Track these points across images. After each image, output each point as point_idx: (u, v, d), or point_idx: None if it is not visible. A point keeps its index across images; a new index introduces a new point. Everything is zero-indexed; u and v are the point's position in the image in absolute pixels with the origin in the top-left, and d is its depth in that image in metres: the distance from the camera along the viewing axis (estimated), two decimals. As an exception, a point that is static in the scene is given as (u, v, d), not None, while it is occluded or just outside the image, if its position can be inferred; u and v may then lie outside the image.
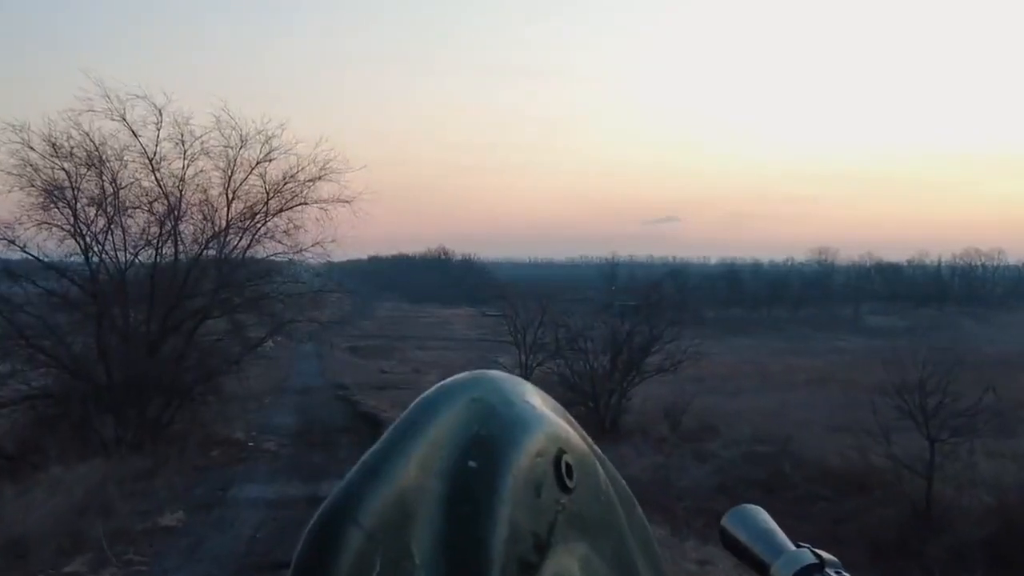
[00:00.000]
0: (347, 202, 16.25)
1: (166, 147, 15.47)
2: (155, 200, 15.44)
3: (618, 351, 18.08)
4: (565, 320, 20.21)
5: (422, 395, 0.49)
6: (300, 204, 16.18)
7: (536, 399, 0.54)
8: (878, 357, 37.91)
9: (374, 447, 0.45)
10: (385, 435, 0.46)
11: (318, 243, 16.37)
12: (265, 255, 16.39)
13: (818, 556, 0.59)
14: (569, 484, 0.51)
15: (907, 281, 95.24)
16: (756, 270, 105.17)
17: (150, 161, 15.27)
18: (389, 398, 22.24)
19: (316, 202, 16.18)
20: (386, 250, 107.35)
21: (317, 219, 16.33)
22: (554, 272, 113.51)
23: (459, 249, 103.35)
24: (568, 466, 0.51)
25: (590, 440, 0.56)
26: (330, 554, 0.40)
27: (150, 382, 15.25)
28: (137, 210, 15.44)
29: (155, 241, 15.32)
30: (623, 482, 0.58)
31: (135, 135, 15.15)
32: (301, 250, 16.28)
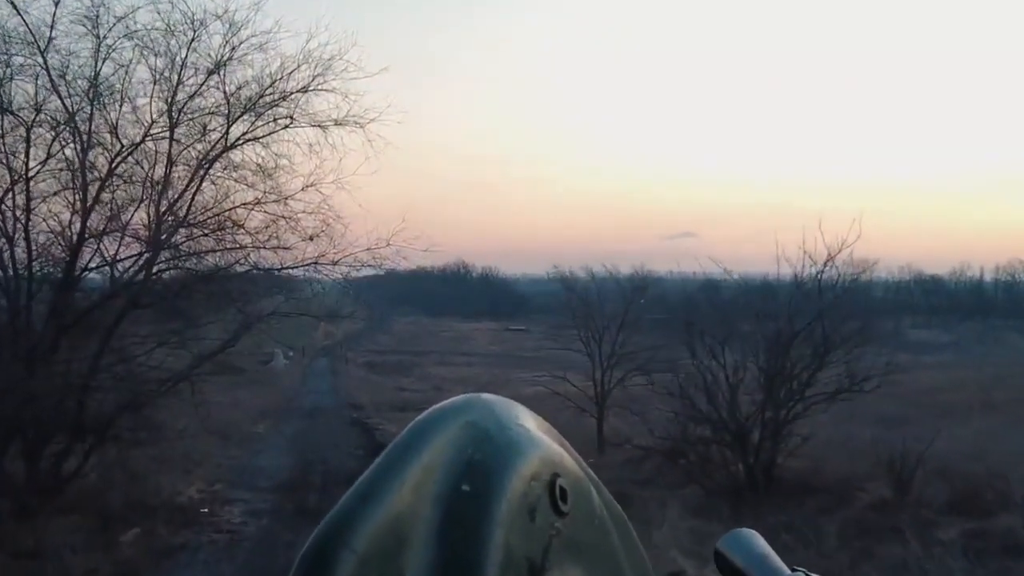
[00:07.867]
0: (359, 124, 10.41)
1: (68, 31, 9.67)
2: (45, 109, 9.55)
3: (778, 369, 12.02)
4: (693, 319, 14.32)
5: (416, 419, 0.47)
6: (284, 126, 10.29)
7: (531, 422, 0.53)
8: (984, 373, 32.17)
9: (368, 471, 0.43)
10: (379, 459, 0.45)
11: (311, 185, 10.52)
12: (226, 211, 10.39)
13: None
14: (563, 508, 0.49)
15: (949, 294, 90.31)
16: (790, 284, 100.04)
17: (41, 52, 9.42)
18: (410, 421, 17.26)
19: (309, 120, 10.30)
20: (403, 264, 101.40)
21: (312, 147, 10.50)
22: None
23: (478, 263, 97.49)
24: (562, 490, 0.50)
25: (584, 464, 0.54)
26: None
27: (39, 411, 9.38)
28: (11, 122, 9.51)
29: (32, 173, 9.34)
30: (618, 507, 0.56)
31: (16, 9, 9.34)
32: (285, 199, 10.39)
